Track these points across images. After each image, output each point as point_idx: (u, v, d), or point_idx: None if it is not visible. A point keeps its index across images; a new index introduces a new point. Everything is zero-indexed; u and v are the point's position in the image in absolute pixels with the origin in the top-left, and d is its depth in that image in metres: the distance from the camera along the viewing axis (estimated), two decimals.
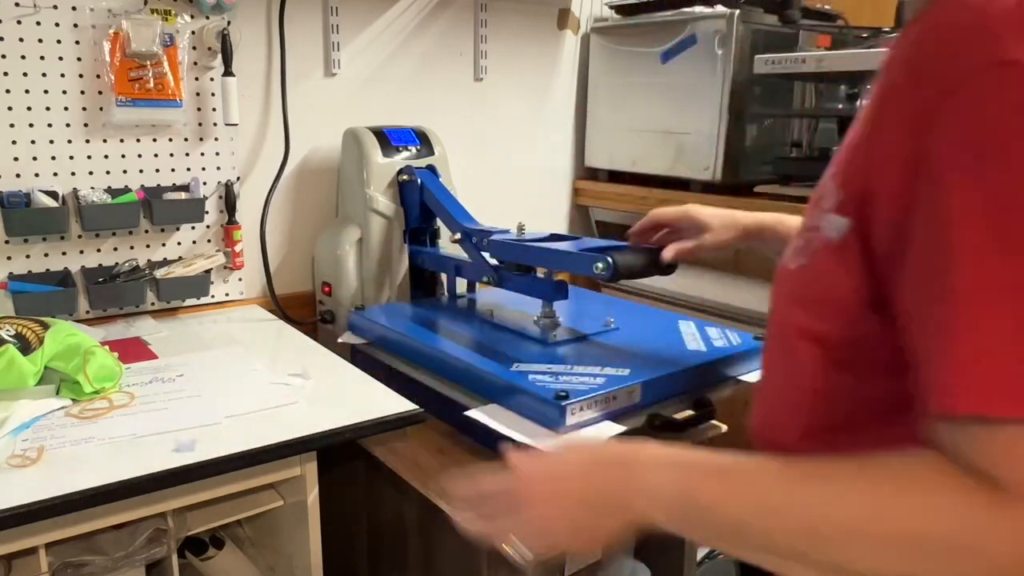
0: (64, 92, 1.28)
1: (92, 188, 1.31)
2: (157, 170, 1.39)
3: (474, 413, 0.99)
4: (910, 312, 0.49)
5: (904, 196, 0.49)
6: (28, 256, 1.29)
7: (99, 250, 1.36)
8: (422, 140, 1.51)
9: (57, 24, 1.25)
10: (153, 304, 1.41)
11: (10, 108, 1.24)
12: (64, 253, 1.32)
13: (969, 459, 0.44)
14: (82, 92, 1.29)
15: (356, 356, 1.30)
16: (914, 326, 0.49)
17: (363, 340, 1.30)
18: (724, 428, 1.19)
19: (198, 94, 1.40)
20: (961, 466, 0.45)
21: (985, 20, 0.46)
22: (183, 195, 1.39)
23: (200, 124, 1.41)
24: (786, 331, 0.61)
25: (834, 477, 0.49)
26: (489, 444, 1.07)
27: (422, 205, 1.44)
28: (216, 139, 1.43)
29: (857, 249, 0.54)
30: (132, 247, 1.39)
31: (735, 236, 1.01)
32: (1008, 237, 0.43)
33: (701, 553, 1.59)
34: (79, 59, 1.28)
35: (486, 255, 1.30)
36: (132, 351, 1.20)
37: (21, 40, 1.23)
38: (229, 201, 1.45)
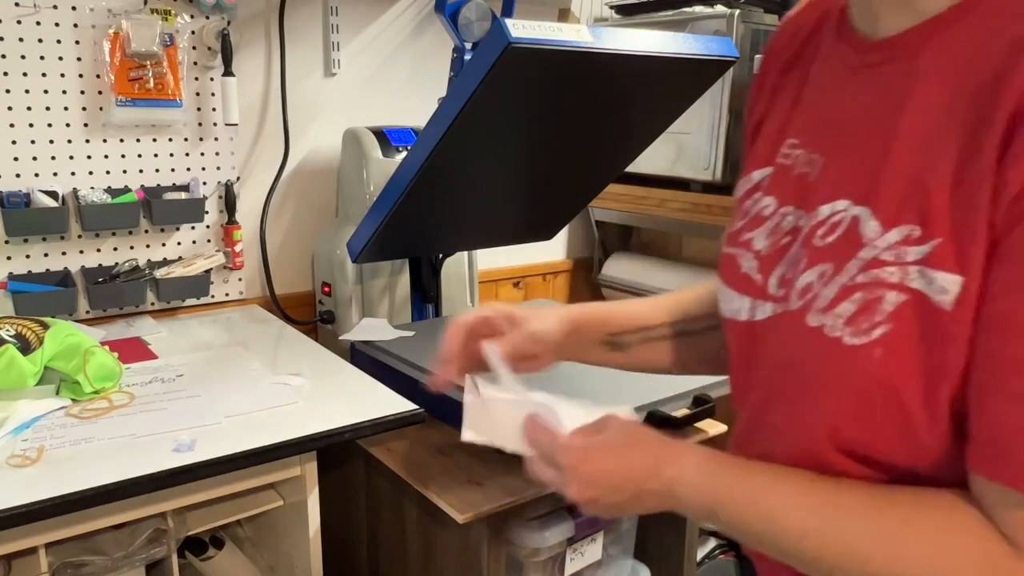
0: (64, 92, 1.28)
1: (92, 188, 1.31)
2: (157, 170, 1.39)
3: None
4: (977, 372, 0.45)
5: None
6: (28, 256, 1.29)
7: (99, 250, 1.36)
8: None
9: (57, 24, 1.25)
10: (153, 304, 1.41)
11: (10, 108, 1.24)
12: (64, 253, 1.33)
13: (1004, 521, 0.46)
14: (82, 92, 1.29)
15: (356, 356, 1.30)
16: (975, 391, 0.46)
17: (363, 339, 1.30)
18: (724, 428, 1.20)
19: (198, 94, 1.40)
20: (992, 522, 0.46)
21: None
22: (183, 195, 1.39)
23: (200, 124, 1.41)
24: (820, 441, 0.52)
25: (862, 512, 0.50)
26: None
27: None
28: (216, 139, 1.43)
29: (972, 317, 0.44)
30: (132, 247, 1.39)
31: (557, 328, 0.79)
32: None
33: (701, 553, 1.59)
34: (79, 59, 1.28)
35: None
36: (132, 351, 1.20)
37: (21, 40, 1.23)
38: (229, 201, 1.45)
